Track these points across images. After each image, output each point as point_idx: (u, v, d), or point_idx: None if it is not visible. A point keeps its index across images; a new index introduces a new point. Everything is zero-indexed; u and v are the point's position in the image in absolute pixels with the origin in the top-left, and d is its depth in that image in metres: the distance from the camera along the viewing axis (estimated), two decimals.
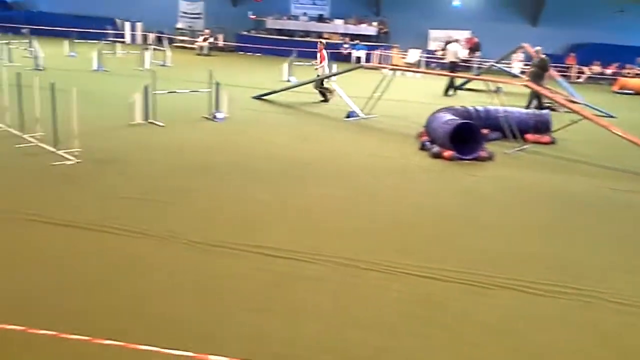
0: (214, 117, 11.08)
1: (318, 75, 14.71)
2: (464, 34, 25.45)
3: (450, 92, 17.69)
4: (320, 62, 14.79)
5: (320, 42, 15.69)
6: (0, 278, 4.38)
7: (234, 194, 6.79)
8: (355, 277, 4.77)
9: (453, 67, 18.45)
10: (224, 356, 3.44)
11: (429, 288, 4.65)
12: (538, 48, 15.44)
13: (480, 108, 11.26)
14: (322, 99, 14.43)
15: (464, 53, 22.04)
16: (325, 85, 14.57)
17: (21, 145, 8.12)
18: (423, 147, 9.69)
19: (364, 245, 5.42)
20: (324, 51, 14.83)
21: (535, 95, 14.15)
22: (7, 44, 17.93)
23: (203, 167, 7.83)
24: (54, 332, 3.52)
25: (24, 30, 22.81)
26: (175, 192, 6.62)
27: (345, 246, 5.35)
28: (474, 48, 26.03)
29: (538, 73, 14.91)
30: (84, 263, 4.71)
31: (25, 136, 8.45)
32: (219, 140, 9.46)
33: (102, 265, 4.69)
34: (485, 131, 10.17)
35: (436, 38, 28.78)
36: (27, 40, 20.33)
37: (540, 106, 13.91)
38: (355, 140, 10.29)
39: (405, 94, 16.41)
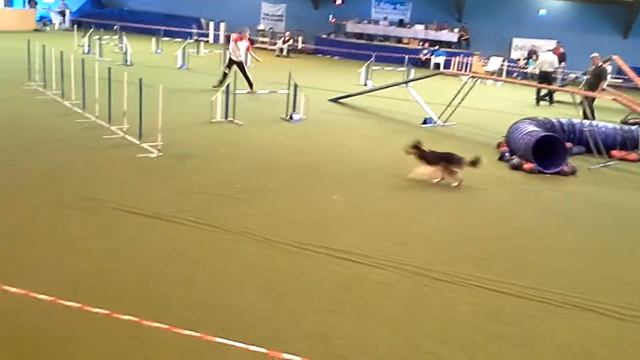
0: (291, 118, 11.23)
1: (243, 62, 14.18)
2: (549, 44, 24.61)
3: (542, 102, 17.21)
4: (249, 50, 14.60)
5: (244, 29, 15.44)
6: (87, 265, 4.61)
7: (308, 195, 6.87)
8: (426, 286, 4.71)
9: (546, 77, 17.71)
10: (297, 355, 3.47)
11: (501, 303, 4.53)
12: (595, 55, 14.47)
13: (564, 120, 10.86)
14: (221, 80, 13.31)
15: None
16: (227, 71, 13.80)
17: (108, 137, 8.51)
18: (502, 158, 9.45)
19: (435, 255, 5.35)
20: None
21: (588, 105, 13.48)
22: (99, 39, 18.84)
23: (278, 166, 7.95)
24: (136, 319, 3.66)
25: (115, 27, 23.91)
26: (251, 190, 6.75)
27: (417, 254, 5.30)
28: (559, 58, 25.10)
29: (593, 82, 14.03)
30: (163, 253, 4.90)
31: (112, 128, 8.86)
32: (294, 141, 9.58)
33: (180, 257, 4.86)
34: (568, 145, 9.80)
35: (520, 46, 27.98)
36: (118, 37, 21.33)
37: (585, 117, 13.07)
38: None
39: (485, 102, 16.04)
